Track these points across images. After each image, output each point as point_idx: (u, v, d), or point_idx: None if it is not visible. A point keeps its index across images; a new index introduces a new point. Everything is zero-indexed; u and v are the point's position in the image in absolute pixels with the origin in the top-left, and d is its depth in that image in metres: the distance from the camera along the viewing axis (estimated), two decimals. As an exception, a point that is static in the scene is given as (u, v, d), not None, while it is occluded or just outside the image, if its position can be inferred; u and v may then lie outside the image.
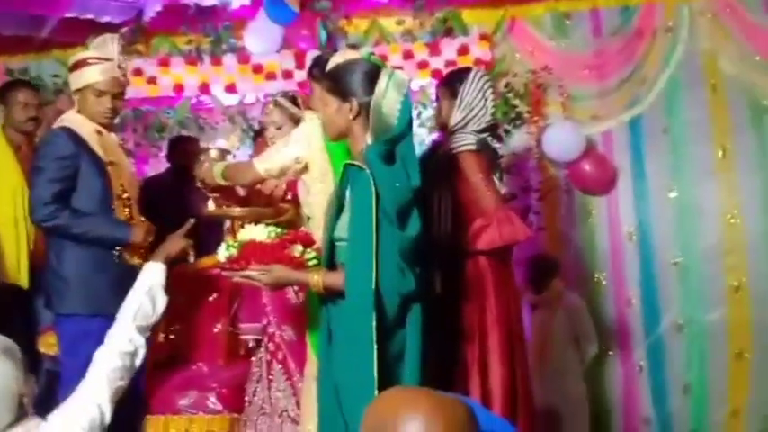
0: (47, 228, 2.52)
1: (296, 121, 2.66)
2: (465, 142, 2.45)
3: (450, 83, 2.58)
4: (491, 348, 2.39)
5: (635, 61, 3.87)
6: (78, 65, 2.60)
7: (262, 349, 2.76)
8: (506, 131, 3.92)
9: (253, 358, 2.85)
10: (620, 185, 3.96)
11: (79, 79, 2.59)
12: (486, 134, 2.50)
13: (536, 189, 4.01)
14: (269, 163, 2.36)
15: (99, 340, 2.46)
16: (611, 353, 3.93)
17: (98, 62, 2.59)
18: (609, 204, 4.00)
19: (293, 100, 2.74)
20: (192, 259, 2.08)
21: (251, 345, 2.87)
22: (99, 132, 2.62)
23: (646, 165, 3.91)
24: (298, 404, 2.64)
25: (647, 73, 3.86)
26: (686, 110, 3.85)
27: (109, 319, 2.48)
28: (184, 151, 3.89)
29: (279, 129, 2.69)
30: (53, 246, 2.59)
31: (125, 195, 2.64)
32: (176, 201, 3.48)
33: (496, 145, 2.55)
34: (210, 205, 2.48)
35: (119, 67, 2.63)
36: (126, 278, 2.49)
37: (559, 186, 4.03)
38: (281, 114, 2.69)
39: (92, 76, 2.57)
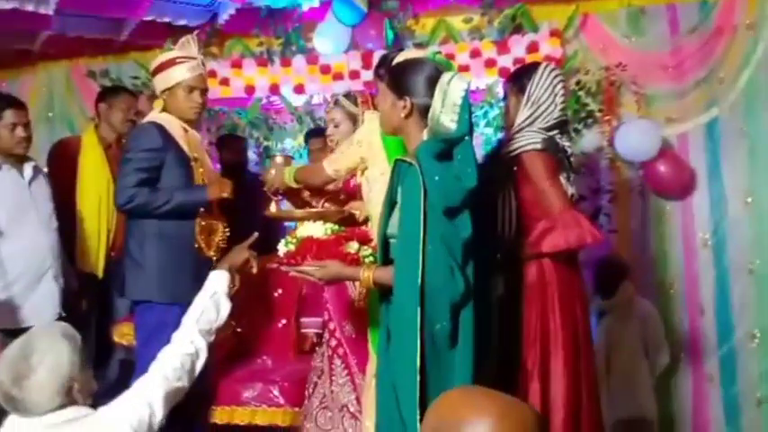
0: (129, 209, 2.63)
1: (354, 119, 2.72)
2: (530, 141, 2.37)
3: (518, 79, 2.50)
4: (554, 354, 2.32)
5: (713, 60, 3.69)
6: (166, 65, 2.72)
7: (324, 344, 2.82)
8: (576, 131, 3.83)
9: (315, 353, 2.92)
10: (696, 190, 3.80)
11: (168, 78, 2.71)
12: (555, 131, 2.41)
13: (607, 190, 3.88)
14: (337, 164, 2.43)
15: (173, 330, 2.64)
16: (681, 363, 3.79)
17: (185, 60, 2.72)
18: (684, 208, 3.85)
19: (353, 99, 2.79)
20: (254, 270, 2.15)
21: (314, 339, 2.94)
22: (185, 129, 2.74)
23: (722, 169, 3.74)
24: (358, 399, 2.69)
25: (726, 73, 3.67)
26: (766, 112, 3.65)
27: (183, 307, 2.65)
28: (235, 149, 3.99)
29: (337, 126, 2.75)
30: (135, 235, 2.69)
31: None
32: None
33: (566, 143, 2.46)
34: (273, 207, 2.55)
35: (202, 64, 2.77)
36: (203, 270, 2.63)
37: (633, 188, 3.90)
38: (340, 112, 2.75)
39: (181, 74, 2.70)
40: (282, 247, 2.07)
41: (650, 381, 3.63)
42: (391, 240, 1.92)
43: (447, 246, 1.76)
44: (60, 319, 2.87)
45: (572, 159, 2.54)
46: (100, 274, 3.33)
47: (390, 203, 1.92)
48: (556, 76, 2.45)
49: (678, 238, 3.86)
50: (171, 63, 2.72)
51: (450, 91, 1.84)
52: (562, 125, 2.46)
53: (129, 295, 2.71)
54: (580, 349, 2.38)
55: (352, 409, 2.70)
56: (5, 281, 2.71)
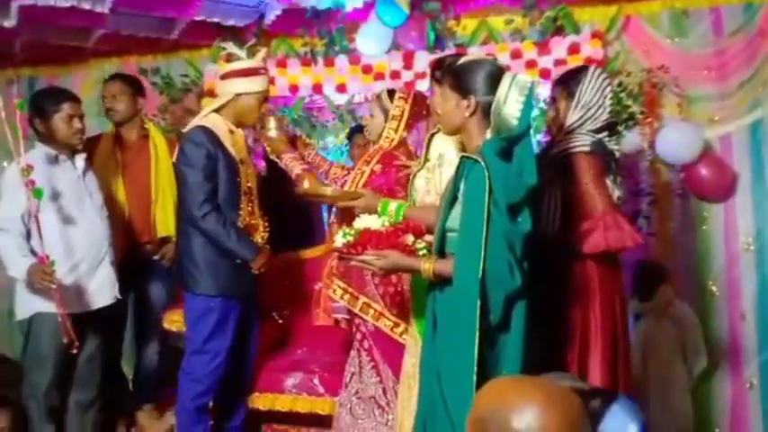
0: (197, 225, 2.75)
1: (386, 112, 2.82)
2: (579, 143, 2.42)
3: (567, 82, 2.54)
4: (592, 352, 2.35)
5: (757, 62, 3.66)
6: (248, 72, 2.82)
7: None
8: (618, 133, 3.83)
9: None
10: (738, 193, 3.77)
11: (247, 85, 2.81)
12: (605, 134, 2.44)
13: (648, 192, 3.87)
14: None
15: (219, 317, 2.73)
16: (720, 368, 3.75)
17: (264, 72, 2.86)
18: (726, 212, 3.82)
19: (391, 94, 2.89)
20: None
21: (342, 324, 3.01)
22: (231, 131, 2.83)
23: (766, 172, 3.70)
24: (384, 391, 2.74)
25: (771, 75, 3.64)
26: (811, 113, 3.61)
27: (226, 299, 2.74)
28: None
29: (372, 117, 2.91)
30: (183, 232, 2.84)
31: (249, 190, 2.87)
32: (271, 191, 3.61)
33: (614, 147, 2.48)
34: (306, 183, 2.60)
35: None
36: (243, 265, 2.75)
37: (673, 190, 3.88)
38: (376, 105, 2.90)
39: (260, 84, 2.83)
40: (341, 239, 2.13)
41: (687, 385, 3.60)
42: (449, 234, 1.98)
43: (508, 241, 1.82)
44: (117, 301, 3.00)
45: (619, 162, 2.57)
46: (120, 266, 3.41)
47: (452, 198, 1.98)
48: (605, 79, 2.49)
49: (719, 241, 3.83)
50: (254, 72, 2.83)
51: (515, 86, 1.90)
52: (611, 127, 2.49)
53: (187, 288, 2.85)
54: (618, 348, 2.40)
55: (381, 402, 2.75)
56: (72, 263, 2.82)
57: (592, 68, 2.55)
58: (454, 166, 2.03)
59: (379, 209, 2.32)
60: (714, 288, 3.82)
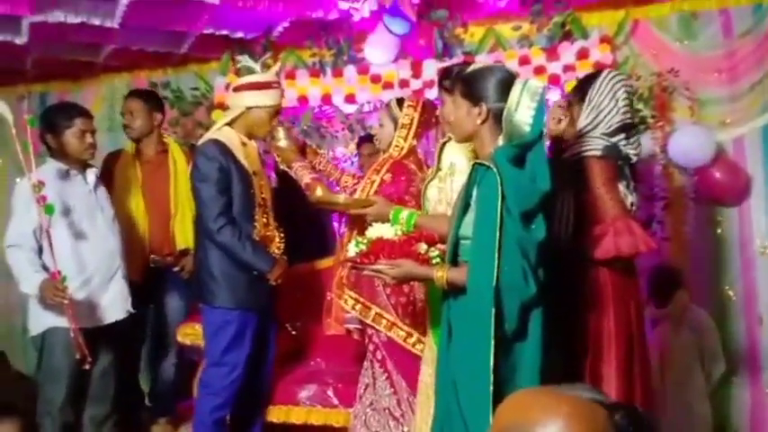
0: (213, 239, 2.76)
1: (395, 121, 2.81)
2: (590, 147, 2.39)
3: (581, 87, 2.53)
4: (606, 360, 2.32)
5: (768, 63, 3.64)
6: (260, 86, 2.83)
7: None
8: (628, 137, 3.81)
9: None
10: (753, 196, 3.73)
11: (259, 98, 2.82)
12: (620, 136, 2.41)
13: (661, 197, 3.84)
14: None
15: (236, 329, 2.75)
16: (738, 374, 3.70)
17: (278, 87, 2.88)
18: (740, 215, 3.78)
19: (400, 102, 2.89)
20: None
21: (354, 335, 3.00)
22: (243, 143, 2.84)
23: (780, 174, 3.67)
24: (398, 403, 2.72)
25: (782, 76, 3.62)
26: (823, 114, 3.58)
27: (244, 311, 2.72)
28: None
29: (381, 126, 2.90)
30: (201, 245, 2.86)
31: (264, 202, 2.87)
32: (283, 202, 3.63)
33: (631, 151, 2.44)
34: (318, 191, 2.59)
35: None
36: (260, 277, 2.75)
37: (687, 194, 3.85)
38: (385, 114, 2.89)
39: (273, 98, 2.84)
40: (354, 248, 2.12)
41: (706, 391, 3.56)
42: (463, 241, 1.96)
43: (522, 248, 1.80)
44: (130, 315, 2.99)
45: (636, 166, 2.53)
46: (139, 279, 3.39)
47: (465, 205, 1.96)
48: (618, 82, 2.45)
49: (735, 245, 3.79)
50: (267, 86, 2.83)
51: (526, 92, 1.89)
52: (626, 130, 2.44)
53: (205, 301, 2.86)
54: (633, 354, 2.37)
55: (396, 414, 2.72)
56: (84, 278, 2.82)
57: (605, 72, 2.53)
58: (465, 175, 2.02)
59: (390, 217, 2.30)
60: (731, 292, 3.78)
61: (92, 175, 2.96)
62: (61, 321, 2.68)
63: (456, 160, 2.43)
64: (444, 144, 2.51)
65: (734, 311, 3.76)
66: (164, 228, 3.46)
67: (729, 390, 3.72)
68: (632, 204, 2.44)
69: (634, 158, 2.44)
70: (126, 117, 3.53)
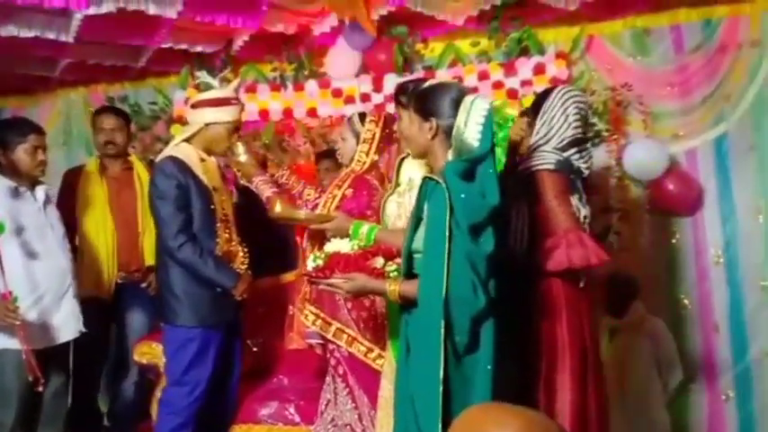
0: (173, 257, 2.73)
1: (357, 136, 2.82)
2: (543, 161, 2.43)
3: (536, 102, 2.58)
4: (560, 370, 2.34)
5: (719, 77, 3.74)
6: (219, 102, 2.82)
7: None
8: (584, 150, 3.88)
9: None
10: (706, 206, 3.82)
11: (218, 115, 2.81)
12: (572, 151, 2.45)
13: (617, 209, 3.91)
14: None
15: (198, 347, 2.73)
16: (696, 381, 3.77)
17: (237, 103, 2.86)
18: (694, 226, 3.86)
19: (362, 117, 2.90)
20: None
21: (317, 350, 2.98)
22: (202, 159, 2.82)
23: (732, 185, 3.76)
24: (360, 418, 2.70)
25: (732, 89, 3.71)
26: (774, 127, 3.67)
27: (206, 328, 2.70)
28: None
29: (343, 140, 2.91)
30: (162, 264, 2.83)
31: (225, 217, 2.85)
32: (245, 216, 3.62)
33: (582, 165, 2.48)
34: (278, 207, 2.58)
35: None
36: (223, 294, 2.74)
37: (642, 206, 3.92)
38: (347, 129, 2.90)
39: (231, 114, 2.83)
40: (311, 263, 2.14)
41: (663, 399, 3.61)
42: (416, 255, 1.98)
43: (470, 261, 1.82)
44: (82, 335, 2.93)
45: (588, 180, 2.57)
46: (107, 296, 3.41)
47: (416, 219, 1.99)
48: (569, 98, 2.49)
49: (689, 255, 3.87)
50: (226, 102, 2.83)
51: (474, 110, 1.93)
52: (578, 144, 2.48)
53: (166, 321, 2.83)
54: (587, 365, 2.39)
55: (356, 429, 2.71)
56: (35, 297, 2.75)
57: (558, 88, 2.58)
58: None
59: (350, 231, 2.31)
60: (686, 301, 3.85)
61: (41, 192, 2.90)
62: (12, 343, 2.61)
63: (414, 176, 2.44)
64: (403, 160, 2.53)
65: (690, 320, 3.83)
66: (132, 244, 3.47)
67: (687, 398, 3.78)
68: (585, 217, 2.47)
69: (586, 172, 2.48)
70: (105, 133, 3.51)
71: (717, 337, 3.78)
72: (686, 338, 3.80)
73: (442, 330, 1.80)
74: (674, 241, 3.89)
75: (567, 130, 2.46)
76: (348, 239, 2.26)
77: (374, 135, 2.85)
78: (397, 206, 2.55)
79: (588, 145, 2.56)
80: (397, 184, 2.57)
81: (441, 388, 1.80)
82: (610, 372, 3.64)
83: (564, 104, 2.48)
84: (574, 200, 2.45)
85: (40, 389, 2.63)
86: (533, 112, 2.56)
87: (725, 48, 3.75)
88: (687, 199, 3.80)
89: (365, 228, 2.31)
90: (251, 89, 4.15)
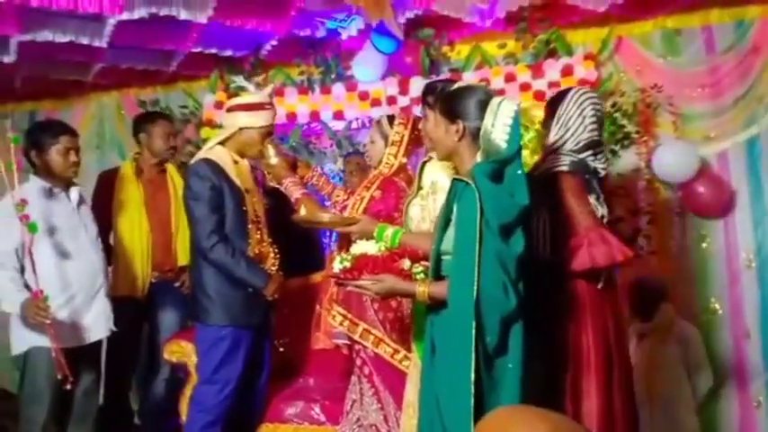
0: (206, 257, 2.77)
1: (386, 138, 2.82)
2: (559, 163, 2.41)
3: (552, 104, 2.55)
4: (585, 375, 2.31)
5: (751, 78, 3.68)
6: (253, 107, 2.85)
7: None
8: (613, 152, 3.84)
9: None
10: (738, 209, 3.76)
11: (252, 119, 2.84)
12: (588, 153, 2.43)
13: (646, 211, 3.87)
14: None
15: (229, 345, 2.77)
16: (726, 387, 3.71)
17: (270, 108, 2.89)
18: (725, 228, 3.81)
19: (391, 119, 2.90)
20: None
21: (343, 350, 2.99)
22: (235, 162, 2.86)
23: (764, 187, 3.70)
24: (385, 418, 2.71)
25: (765, 90, 3.66)
26: (807, 128, 3.61)
27: (237, 328, 2.74)
28: None
29: (372, 142, 2.91)
30: (195, 264, 2.87)
31: (257, 219, 2.88)
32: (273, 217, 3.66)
33: (599, 165, 2.45)
34: (303, 210, 2.60)
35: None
36: (255, 295, 2.78)
37: (672, 209, 3.88)
38: (376, 131, 2.89)
39: (265, 119, 2.86)
40: (338, 264, 2.14)
41: (693, 404, 3.56)
42: (444, 257, 1.98)
43: (501, 262, 1.83)
44: (115, 334, 2.98)
45: (606, 180, 2.53)
46: (141, 295, 3.46)
47: (445, 221, 1.99)
48: (585, 99, 2.47)
49: (720, 259, 3.82)
50: (259, 107, 2.86)
51: (501, 111, 1.94)
52: (594, 146, 2.46)
53: (199, 320, 2.86)
54: (613, 369, 2.35)
55: (382, 430, 2.71)
56: (67, 296, 2.80)
57: (574, 89, 2.56)
58: (446, 194, 2.03)
59: (375, 234, 2.32)
60: (717, 306, 3.80)
61: (75, 193, 2.95)
62: (44, 341, 2.66)
63: (437, 178, 2.44)
64: (425, 163, 2.53)
65: (720, 325, 3.77)
66: (166, 245, 3.52)
67: (717, 403, 3.72)
68: (602, 217, 2.42)
69: (602, 172, 2.44)
70: (166, 139, 3.56)
71: (748, 342, 3.72)
72: (717, 343, 3.74)
73: (474, 331, 1.81)
74: (704, 245, 3.84)
75: (584, 132, 2.43)
76: (373, 242, 2.27)
77: (402, 137, 2.85)
78: (420, 209, 2.54)
79: (603, 147, 2.52)
80: (420, 187, 2.56)
81: (473, 389, 1.80)
82: (638, 375, 3.61)
83: (581, 106, 2.45)
84: (591, 199, 2.41)
85: (68, 387, 2.65)
86: (548, 114, 2.54)
87: (757, 49, 3.69)
88: (718, 202, 3.75)
89: (390, 231, 2.31)
90: (279, 92, 4.19)
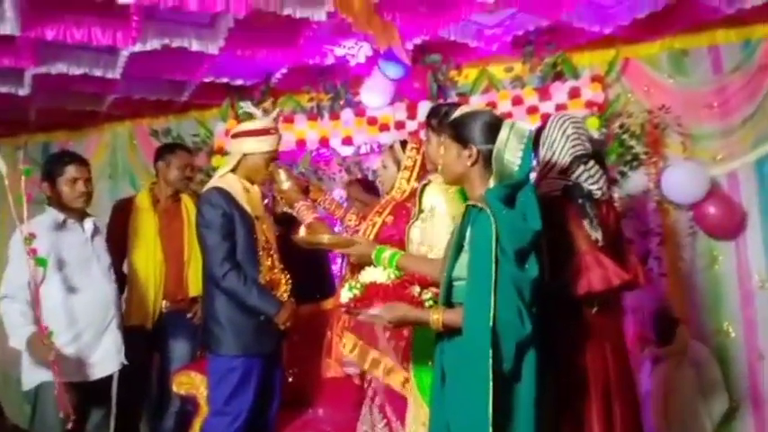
0: (218, 285, 2.78)
1: (399, 163, 2.83)
2: (552, 188, 2.41)
3: (538, 134, 2.53)
4: (585, 404, 2.27)
5: (759, 98, 3.68)
6: (258, 132, 2.85)
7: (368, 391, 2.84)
8: (622, 173, 3.85)
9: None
10: (749, 230, 3.74)
11: (257, 145, 2.84)
12: (580, 170, 2.40)
13: (657, 233, 3.85)
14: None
15: (240, 376, 2.76)
16: (742, 410, 3.66)
17: (275, 133, 2.89)
18: (737, 250, 3.78)
19: (403, 144, 2.90)
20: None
21: (355, 380, 2.97)
22: (246, 190, 2.88)
23: (775, 207, 3.67)
24: None
25: (774, 109, 3.64)
26: (817, 146, 3.59)
27: (249, 357, 2.74)
28: None
29: (385, 168, 2.90)
30: (207, 293, 2.86)
31: (268, 245, 2.90)
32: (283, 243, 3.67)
33: (594, 187, 2.41)
34: (302, 231, 2.58)
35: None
36: (268, 323, 2.77)
37: (682, 230, 3.85)
38: (388, 156, 2.89)
39: (269, 144, 2.87)
40: (347, 293, 2.10)
41: (709, 425, 3.52)
42: (456, 283, 1.97)
43: (517, 287, 1.81)
44: (123, 368, 2.98)
45: (609, 203, 2.51)
46: (150, 326, 3.46)
47: (458, 247, 1.97)
48: (565, 120, 2.48)
49: (733, 280, 3.79)
50: (264, 132, 2.87)
51: (514, 134, 1.95)
52: (581, 160, 2.42)
53: (210, 350, 2.85)
54: (613, 399, 2.31)
55: None
56: (75, 332, 2.81)
57: (552, 116, 2.57)
58: (446, 217, 2.02)
59: (373, 257, 2.30)
60: (730, 329, 3.76)
61: (89, 223, 2.97)
62: (53, 376, 2.62)
63: (436, 203, 2.44)
64: (425, 186, 2.54)
65: (734, 347, 3.73)
66: (178, 275, 3.53)
67: (733, 425, 3.67)
68: (597, 241, 2.40)
69: (598, 194, 2.40)
70: (183, 169, 3.60)
71: (762, 364, 3.68)
72: (731, 366, 3.70)
73: (491, 359, 1.79)
74: (716, 266, 3.81)
75: (569, 149, 2.43)
76: (381, 269, 2.26)
77: (415, 162, 2.85)
78: (420, 232, 2.54)
79: (594, 163, 2.48)
80: (421, 211, 2.57)
81: (491, 417, 1.77)
82: (655, 400, 3.58)
83: (562, 127, 2.46)
84: (585, 223, 2.40)
85: (69, 426, 2.61)
86: (535, 143, 2.54)
87: (765, 68, 3.69)
88: (729, 223, 3.72)
89: (387, 253, 2.29)
90: (289, 119, 4.25)
